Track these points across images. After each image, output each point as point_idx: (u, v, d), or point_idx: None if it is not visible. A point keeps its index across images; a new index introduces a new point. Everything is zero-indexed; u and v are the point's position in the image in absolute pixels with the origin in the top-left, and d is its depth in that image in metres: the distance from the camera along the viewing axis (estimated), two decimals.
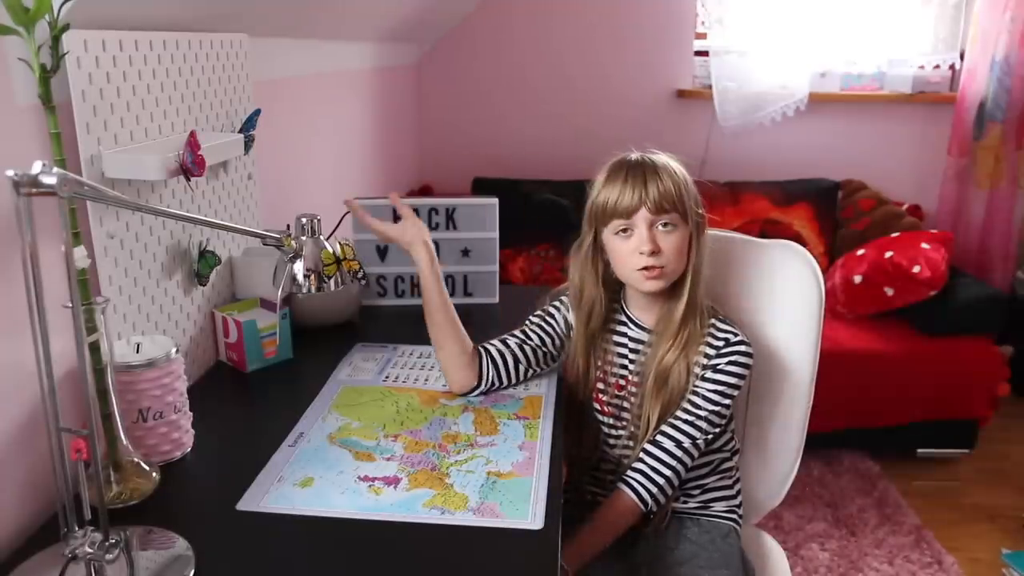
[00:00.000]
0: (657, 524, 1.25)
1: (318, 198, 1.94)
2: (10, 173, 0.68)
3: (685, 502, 1.29)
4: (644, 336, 1.24)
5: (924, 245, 2.47)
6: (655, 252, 1.13)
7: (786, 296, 1.33)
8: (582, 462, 1.32)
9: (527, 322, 1.30)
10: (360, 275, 1.17)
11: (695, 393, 1.18)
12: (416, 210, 1.57)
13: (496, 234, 1.60)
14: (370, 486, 0.97)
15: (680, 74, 3.13)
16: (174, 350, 1.01)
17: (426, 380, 1.27)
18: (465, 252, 1.61)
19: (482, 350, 1.24)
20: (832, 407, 2.22)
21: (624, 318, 1.26)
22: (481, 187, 2.97)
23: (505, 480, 0.99)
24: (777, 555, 1.37)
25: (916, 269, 2.39)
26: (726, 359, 1.18)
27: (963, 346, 2.43)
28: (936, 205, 3.05)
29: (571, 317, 1.28)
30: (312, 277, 1.10)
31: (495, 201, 1.59)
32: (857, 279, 2.51)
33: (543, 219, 2.80)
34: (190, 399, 1.06)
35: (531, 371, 1.26)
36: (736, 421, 1.35)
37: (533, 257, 2.85)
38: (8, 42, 0.81)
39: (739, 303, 1.33)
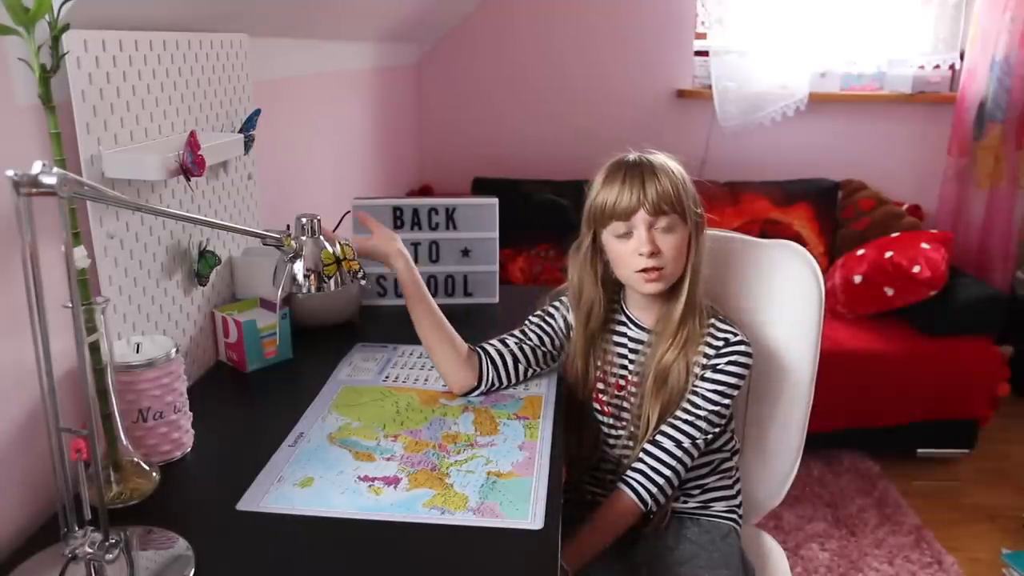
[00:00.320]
0: (657, 524, 1.25)
1: (318, 198, 1.94)
2: (10, 173, 0.68)
3: (685, 502, 1.29)
4: (644, 336, 1.24)
5: (924, 245, 2.47)
6: (654, 253, 1.13)
7: (786, 296, 1.33)
8: (582, 462, 1.32)
9: (527, 322, 1.30)
10: (360, 275, 1.16)
11: (695, 393, 1.18)
12: (416, 210, 1.59)
13: (496, 234, 1.61)
14: (370, 486, 0.97)
15: (680, 74, 3.13)
16: (174, 350, 1.01)
17: (426, 380, 1.27)
18: (465, 252, 1.61)
19: (481, 351, 1.24)
20: (832, 407, 2.22)
21: (623, 318, 1.26)
22: (481, 187, 2.97)
23: (505, 480, 0.99)
24: (777, 555, 1.37)
25: (916, 269, 2.39)
26: (726, 359, 1.18)
27: (963, 346, 2.43)
28: (936, 205, 3.05)
29: (571, 317, 1.28)
30: (312, 277, 1.09)
31: (495, 201, 1.59)
32: (857, 279, 2.51)
33: (543, 219, 2.80)
34: (190, 399, 1.06)
35: (531, 371, 1.26)
36: (736, 421, 1.35)
37: (533, 257, 2.85)
38: (8, 42, 0.81)
39: (739, 303, 1.33)
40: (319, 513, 0.92)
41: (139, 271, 1.10)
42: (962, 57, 2.94)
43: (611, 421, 1.27)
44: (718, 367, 1.18)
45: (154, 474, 0.97)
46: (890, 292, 2.46)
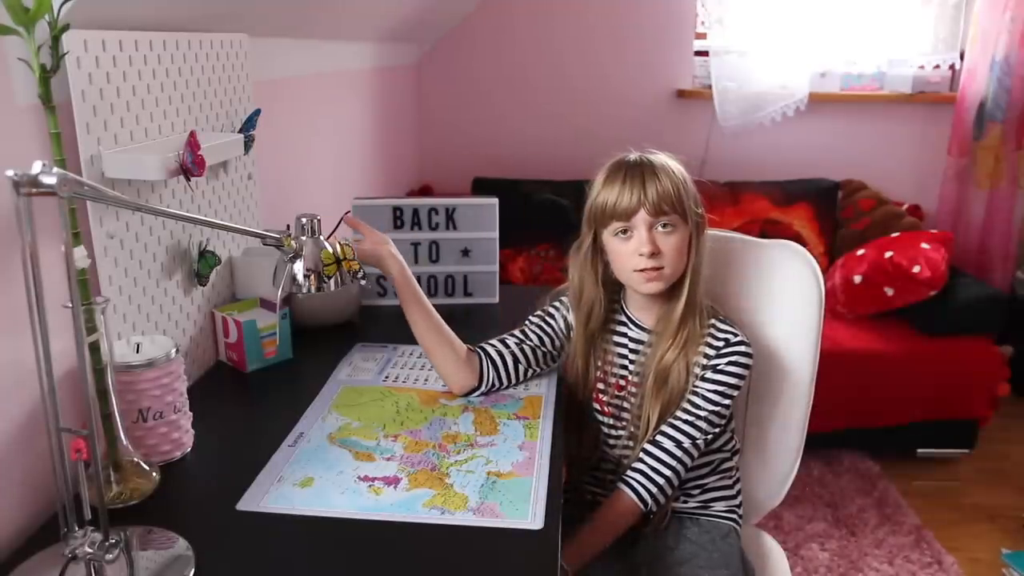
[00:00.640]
0: (657, 524, 1.25)
1: (318, 198, 1.94)
2: (10, 173, 0.68)
3: (685, 502, 1.29)
4: (644, 336, 1.24)
5: (924, 245, 2.47)
6: (654, 254, 1.13)
7: (786, 296, 1.33)
8: (582, 462, 1.32)
9: (527, 322, 1.30)
10: (360, 275, 1.16)
11: (695, 393, 1.18)
12: (416, 210, 1.59)
13: (496, 234, 1.61)
14: (370, 486, 0.97)
15: (680, 74, 3.13)
16: (174, 350, 1.01)
17: (426, 380, 1.27)
18: (465, 252, 1.61)
19: (481, 351, 1.23)
20: (832, 407, 2.22)
21: (624, 318, 1.26)
22: (481, 187, 2.97)
23: (505, 480, 0.99)
24: (777, 555, 1.37)
25: (916, 269, 2.39)
26: (726, 359, 1.18)
27: (963, 346, 2.43)
28: (936, 205, 3.05)
29: (571, 317, 1.28)
30: (312, 277, 1.09)
31: (495, 201, 1.59)
32: (857, 279, 2.51)
33: (543, 219, 2.80)
34: (190, 399, 1.06)
35: (531, 371, 1.26)
36: (736, 421, 1.35)
37: (533, 257, 2.85)
38: (8, 42, 0.81)
39: (739, 303, 1.33)
40: (319, 513, 0.92)
41: (139, 271, 1.10)
42: (962, 57, 2.94)
43: (611, 421, 1.27)
44: (718, 367, 1.18)
45: (154, 474, 0.97)
46: (890, 292, 2.46)
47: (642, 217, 1.13)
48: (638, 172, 1.13)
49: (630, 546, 1.23)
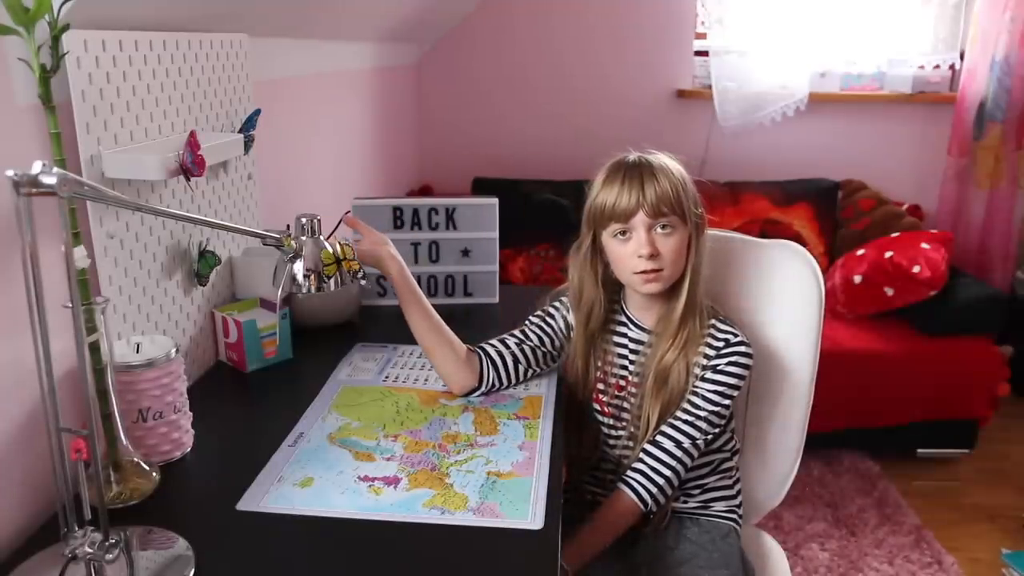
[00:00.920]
0: (657, 524, 1.25)
1: (318, 198, 1.94)
2: (10, 173, 0.68)
3: (685, 502, 1.29)
4: (644, 337, 1.24)
5: (924, 245, 2.47)
6: (653, 255, 1.13)
7: (786, 296, 1.33)
8: (582, 462, 1.32)
9: (527, 322, 1.30)
10: (360, 275, 1.16)
11: (695, 393, 1.18)
12: (416, 210, 1.59)
13: (496, 234, 1.61)
14: (370, 486, 0.97)
15: (680, 74, 3.13)
16: (174, 350, 1.01)
17: (426, 380, 1.27)
18: (465, 252, 1.61)
19: (481, 351, 1.23)
20: (832, 407, 2.22)
21: (624, 319, 1.26)
22: (481, 187, 2.97)
23: (505, 480, 0.99)
24: (777, 555, 1.37)
25: (916, 269, 2.39)
26: (726, 359, 1.18)
27: (963, 346, 2.43)
28: (936, 205, 3.05)
29: (571, 317, 1.27)
30: (312, 277, 1.09)
31: (495, 201, 1.59)
32: (857, 279, 2.51)
33: (543, 219, 2.80)
34: (190, 399, 1.06)
35: (531, 371, 1.26)
36: (736, 421, 1.35)
37: (533, 257, 2.85)
38: (8, 42, 0.81)
39: (739, 303, 1.33)
40: (319, 513, 0.92)
41: (139, 271, 1.10)
42: (962, 57, 2.94)
43: (611, 421, 1.27)
44: (718, 368, 1.18)
45: (154, 474, 0.97)
46: (890, 292, 2.46)
47: (641, 219, 1.13)
48: (637, 173, 1.13)
49: (630, 546, 1.23)
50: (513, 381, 1.24)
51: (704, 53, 3.03)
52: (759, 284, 1.34)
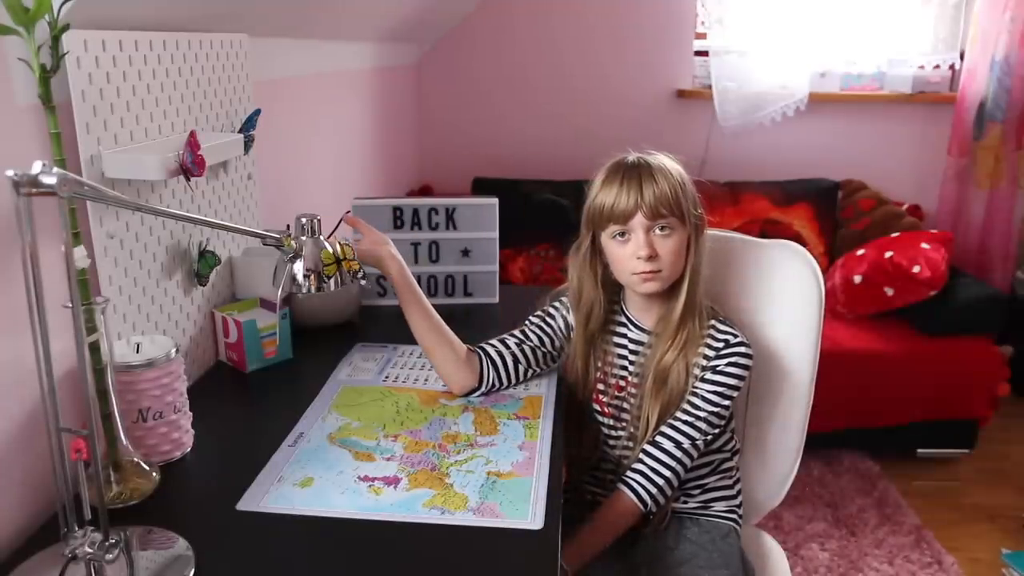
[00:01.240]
0: (657, 524, 1.25)
1: (318, 198, 1.94)
2: (10, 173, 0.68)
3: (685, 502, 1.29)
4: (644, 337, 1.24)
5: (924, 245, 2.47)
6: (652, 257, 1.13)
7: (786, 296, 1.33)
8: (582, 462, 1.32)
9: (527, 322, 1.30)
10: (360, 275, 1.16)
11: (695, 394, 1.18)
12: (416, 210, 1.59)
13: (496, 234, 1.61)
14: (370, 486, 0.97)
15: (680, 74, 3.13)
16: (174, 350, 1.01)
17: (426, 380, 1.27)
18: (465, 252, 1.61)
19: (481, 352, 1.23)
20: (832, 407, 2.22)
21: (624, 319, 1.26)
22: (481, 187, 2.97)
23: (505, 480, 0.99)
24: (777, 555, 1.37)
25: (916, 269, 2.39)
26: (726, 360, 1.18)
27: (963, 346, 2.43)
28: (936, 205, 3.05)
29: (571, 318, 1.27)
30: (312, 277, 1.09)
31: (495, 201, 1.59)
32: (857, 279, 2.51)
33: (543, 219, 2.80)
34: (190, 399, 1.06)
35: (531, 371, 1.26)
36: (736, 421, 1.35)
37: (533, 257, 2.85)
38: (8, 42, 0.81)
39: (739, 303, 1.33)
40: (319, 513, 0.92)
41: (139, 271, 1.10)
42: (962, 57, 2.94)
43: (611, 422, 1.27)
44: (718, 368, 1.18)
45: (154, 474, 0.97)
46: (890, 292, 2.46)
47: (639, 220, 1.13)
48: (635, 174, 1.13)
49: (630, 546, 1.23)
50: (513, 381, 1.24)
51: (704, 53, 3.03)
52: (759, 284, 1.34)
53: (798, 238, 2.79)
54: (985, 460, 2.56)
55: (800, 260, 1.32)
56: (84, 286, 0.88)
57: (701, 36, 3.07)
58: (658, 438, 1.18)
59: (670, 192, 1.12)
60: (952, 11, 2.95)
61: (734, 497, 1.31)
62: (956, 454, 2.56)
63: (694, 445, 1.18)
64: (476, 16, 3.08)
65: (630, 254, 1.14)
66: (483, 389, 1.22)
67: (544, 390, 1.25)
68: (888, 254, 2.46)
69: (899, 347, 2.43)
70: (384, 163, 2.67)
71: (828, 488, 2.39)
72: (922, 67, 3.03)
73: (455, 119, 3.21)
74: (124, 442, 0.94)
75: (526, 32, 3.11)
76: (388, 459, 1.04)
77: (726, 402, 1.18)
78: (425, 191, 3.15)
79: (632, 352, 1.25)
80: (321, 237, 1.12)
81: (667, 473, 1.17)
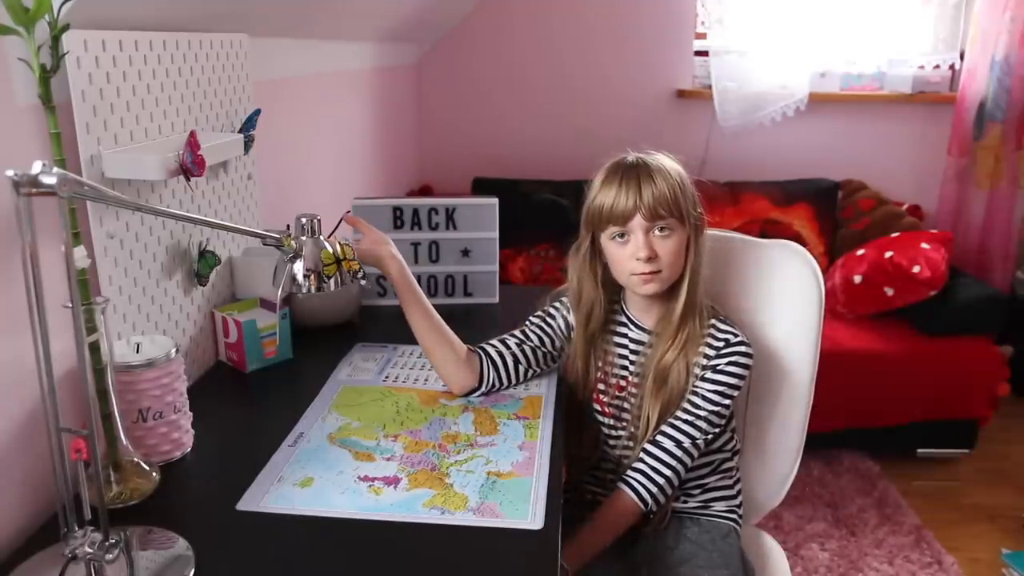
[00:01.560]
0: (657, 524, 1.25)
1: (318, 198, 1.94)
2: (10, 173, 0.68)
3: (685, 502, 1.29)
4: (644, 337, 1.24)
5: (924, 245, 2.47)
6: (651, 258, 1.13)
7: (786, 296, 1.33)
8: (582, 462, 1.32)
9: (527, 322, 1.30)
10: (360, 275, 1.16)
11: (695, 393, 1.18)
12: (416, 210, 1.59)
13: (496, 234, 1.60)
14: (370, 486, 0.97)
15: (680, 74, 3.13)
16: (174, 350, 1.01)
17: (426, 380, 1.27)
18: (465, 252, 1.61)
19: (481, 352, 1.23)
20: (832, 407, 2.21)
21: (624, 319, 1.26)
22: (481, 187, 2.97)
23: (505, 480, 0.99)
24: (777, 555, 1.37)
25: (916, 269, 2.39)
26: (726, 359, 1.18)
27: (963, 346, 2.43)
28: (936, 205, 3.05)
29: (571, 318, 1.27)
30: (312, 277, 1.09)
31: (495, 201, 1.59)
32: (857, 279, 2.51)
33: (543, 219, 2.80)
34: (190, 399, 1.06)
35: (531, 371, 1.26)
36: (736, 421, 1.35)
37: (533, 257, 2.85)
38: (8, 42, 0.81)
39: (739, 303, 1.33)
40: (319, 513, 0.92)
41: (139, 271, 1.10)
42: (962, 57, 2.94)
43: (611, 422, 1.27)
44: (718, 367, 1.18)
45: (154, 474, 0.97)
46: (890, 292, 2.46)
47: (638, 221, 1.13)
48: (634, 175, 1.13)
49: (630, 546, 1.23)
50: (513, 381, 1.24)
51: (704, 53, 3.03)
52: (759, 284, 1.34)
53: (798, 238, 2.79)
54: (985, 460, 2.56)
55: (800, 260, 1.32)
56: (84, 286, 0.88)
57: (701, 36, 3.07)
58: (658, 437, 1.18)
59: (669, 193, 1.12)
60: (952, 11, 2.95)
61: (734, 497, 1.31)
62: (956, 454, 2.56)
63: (694, 444, 1.18)
64: (476, 16, 3.08)
65: (629, 255, 1.14)
66: (483, 389, 1.22)
67: (544, 390, 1.25)
68: (888, 254, 2.46)
69: (899, 347, 2.43)
70: (384, 163, 2.67)
71: (828, 488, 2.39)
72: (922, 67, 3.03)
73: (455, 119, 3.21)
74: (124, 442, 0.94)
75: (526, 32, 3.11)
76: (388, 459, 1.04)
77: (726, 401, 1.18)
78: (425, 191, 3.15)
79: (632, 352, 1.25)
80: (321, 237, 1.12)
81: (667, 472, 1.17)
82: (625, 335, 1.26)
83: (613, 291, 1.26)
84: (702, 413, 1.17)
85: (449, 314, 1.26)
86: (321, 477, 0.99)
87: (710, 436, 1.19)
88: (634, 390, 1.24)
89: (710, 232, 1.22)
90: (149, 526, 0.88)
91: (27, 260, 0.69)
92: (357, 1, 1.93)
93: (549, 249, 2.83)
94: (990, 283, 2.75)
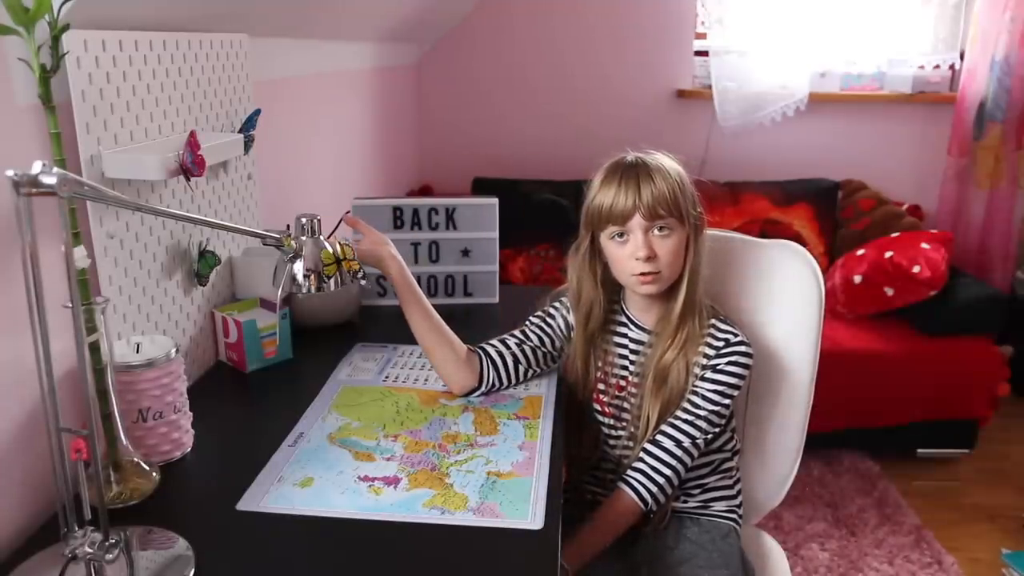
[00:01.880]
0: (657, 524, 1.25)
1: (318, 198, 1.94)
2: (10, 173, 0.68)
3: (685, 502, 1.29)
4: (644, 337, 1.24)
5: (924, 245, 2.47)
6: (651, 257, 1.12)
7: (786, 296, 1.33)
8: (582, 462, 1.32)
9: (527, 322, 1.30)
10: (360, 275, 1.16)
11: (695, 393, 1.18)
12: (416, 210, 1.59)
13: (496, 234, 1.61)
14: (370, 486, 0.97)
15: (680, 74, 3.13)
16: (174, 350, 1.01)
17: (426, 380, 1.27)
18: (465, 252, 1.61)
19: (481, 352, 1.23)
20: (832, 407, 2.22)
21: (624, 319, 1.26)
22: (481, 187, 2.97)
23: (505, 480, 0.99)
24: (777, 555, 1.37)
25: (916, 269, 2.39)
26: (726, 359, 1.18)
27: (963, 346, 2.43)
28: (936, 205, 3.05)
29: (571, 318, 1.27)
30: (312, 277, 1.10)
31: (495, 201, 1.59)
32: (857, 279, 2.51)
33: (543, 219, 2.80)
34: (190, 399, 1.06)
35: (531, 371, 1.26)
36: (736, 421, 1.35)
37: (533, 257, 2.85)
38: (8, 42, 0.81)
39: (739, 303, 1.33)
40: (319, 513, 0.92)
41: (139, 271, 1.10)
42: (962, 57, 2.94)
43: (611, 421, 1.27)
44: (718, 367, 1.18)
45: (154, 474, 0.97)
46: (890, 292, 2.46)
47: (638, 221, 1.12)
48: (633, 175, 1.13)
49: (630, 546, 1.23)
50: (513, 381, 1.24)
51: (704, 53, 3.03)
52: (759, 284, 1.34)
53: (798, 238, 2.79)
54: (985, 460, 2.56)
55: (800, 260, 1.32)
56: (84, 286, 0.88)
57: (701, 36, 3.07)
58: (658, 437, 1.18)
59: (668, 192, 1.12)
60: (952, 11, 2.95)
61: (734, 497, 1.31)
62: (956, 454, 2.56)
63: (694, 444, 1.18)
64: (476, 16, 3.08)
65: (629, 255, 1.14)
66: (483, 389, 1.22)
67: (544, 390, 1.25)
68: (888, 254, 2.46)
69: (899, 347, 2.43)
70: (384, 163, 2.67)
71: (828, 488, 2.39)
72: (922, 67, 3.03)
73: (455, 119, 3.21)
74: (124, 442, 0.94)
75: (526, 32, 3.11)
76: (388, 459, 1.04)
77: (726, 401, 1.18)
78: (425, 191, 3.15)
79: (632, 352, 1.25)
80: (321, 237, 1.12)
81: (668, 472, 1.17)
82: (625, 335, 1.26)
83: (613, 291, 1.26)
84: (702, 413, 1.17)
85: (449, 314, 1.26)
86: (321, 477, 0.99)
87: (710, 436, 1.19)
88: (634, 390, 1.24)
89: (710, 232, 1.22)
90: (149, 526, 0.88)
91: (27, 260, 0.69)
92: (357, 1, 1.93)
93: (549, 249, 2.83)
94: (990, 283, 2.75)
